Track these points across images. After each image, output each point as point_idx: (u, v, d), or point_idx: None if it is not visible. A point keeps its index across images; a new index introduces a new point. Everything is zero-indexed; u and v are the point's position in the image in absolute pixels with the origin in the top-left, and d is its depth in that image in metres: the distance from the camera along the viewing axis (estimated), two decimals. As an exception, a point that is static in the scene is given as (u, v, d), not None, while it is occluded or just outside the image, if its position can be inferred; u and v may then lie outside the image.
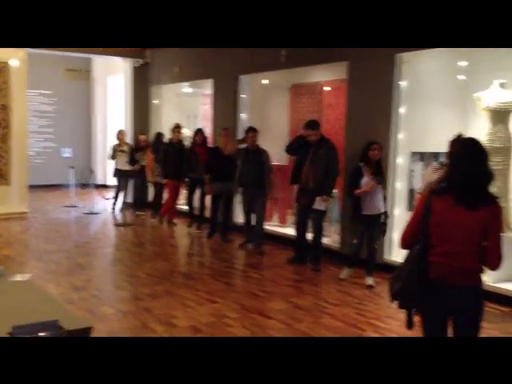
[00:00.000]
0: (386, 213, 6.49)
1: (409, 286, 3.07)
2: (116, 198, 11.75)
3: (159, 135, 10.91)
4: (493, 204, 2.99)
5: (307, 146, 7.12)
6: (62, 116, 15.91)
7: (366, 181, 6.36)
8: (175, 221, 10.24)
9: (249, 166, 8.06)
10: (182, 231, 9.87)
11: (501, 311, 5.61)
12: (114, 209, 11.71)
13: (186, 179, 9.86)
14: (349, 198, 6.71)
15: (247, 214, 8.36)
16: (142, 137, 11.35)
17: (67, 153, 13.60)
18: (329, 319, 5.34)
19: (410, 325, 3.21)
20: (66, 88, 15.84)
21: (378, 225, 6.43)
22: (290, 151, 7.59)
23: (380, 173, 6.49)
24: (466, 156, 2.98)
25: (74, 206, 12.21)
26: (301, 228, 7.44)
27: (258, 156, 8.07)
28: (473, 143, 3.04)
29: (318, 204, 7.07)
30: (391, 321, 5.24)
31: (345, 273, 6.75)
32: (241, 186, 8.30)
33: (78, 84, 16.08)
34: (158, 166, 10.32)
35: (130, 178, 11.51)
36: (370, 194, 6.37)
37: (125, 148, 11.51)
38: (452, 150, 3.06)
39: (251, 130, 8.20)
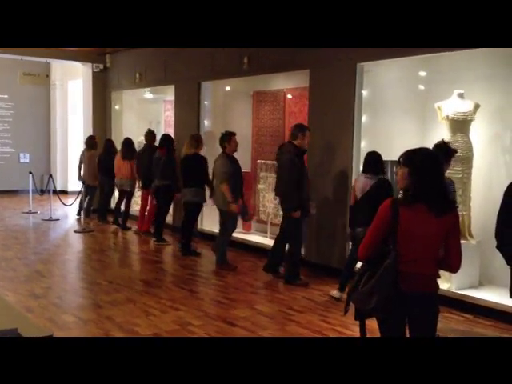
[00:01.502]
0: None
1: (386, 298, 3.07)
2: (90, 204, 11.27)
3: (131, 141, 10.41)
4: (454, 210, 3.16)
5: (298, 158, 6.64)
6: (20, 121, 15.54)
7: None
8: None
9: (238, 175, 7.45)
10: (144, 238, 9.72)
11: (464, 318, 5.68)
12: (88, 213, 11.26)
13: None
14: None
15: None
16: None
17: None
18: (294, 326, 5.35)
19: (364, 333, 3.31)
20: (24, 92, 15.48)
21: None
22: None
23: None
24: (432, 166, 3.11)
25: (33, 213, 11.97)
26: None
27: (237, 163, 7.59)
28: (433, 154, 3.22)
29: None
30: (357, 327, 5.25)
31: None
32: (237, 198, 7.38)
33: (37, 88, 15.74)
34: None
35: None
36: None
37: None
38: (418, 161, 3.14)
39: (233, 135, 7.49)
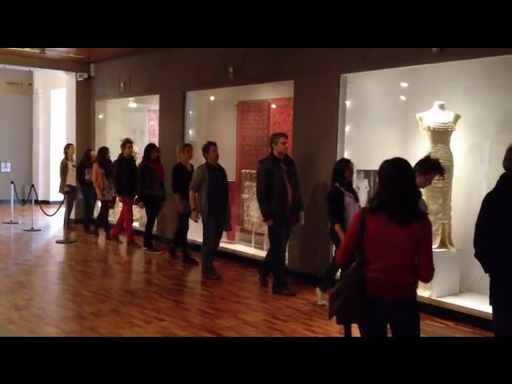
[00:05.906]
0: None
1: (349, 301, 3.18)
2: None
3: (105, 150, 10.49)
4: (423, 220, 3.17)
5: (273, 165, 6.71)
6: (2, 130, 15.36)
7: (347, 201, 6.15)
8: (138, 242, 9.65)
9: (216, 184, 7.51)
10: (130, 250, 9.65)
11: (445, 325, 5.75)
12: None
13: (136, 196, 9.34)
14: (335, 222, 6.10)
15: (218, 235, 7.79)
16: (94, 152, 11.03)
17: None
18: (278, 335, 5.36)
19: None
20: (6, 101, 15.34)
21: None
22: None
23: (353, 191, 6.38)
24: (396, 176, 3.15)
25: (14, 223, 11.86)
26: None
27: (220, 172, 7.70)
28: (401, 164, 3.22)
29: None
30: (341, 336, 5.30)
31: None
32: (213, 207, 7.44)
33: (19, 97, 15.64)
34: (109, 182, 10.11)
35: (77, 195, 11.24)
36: (350, 214, 6.00)
37: (74, 163, 11.35)
38: (382, 171, 3.22)
39: (212, 145, 7.65)
